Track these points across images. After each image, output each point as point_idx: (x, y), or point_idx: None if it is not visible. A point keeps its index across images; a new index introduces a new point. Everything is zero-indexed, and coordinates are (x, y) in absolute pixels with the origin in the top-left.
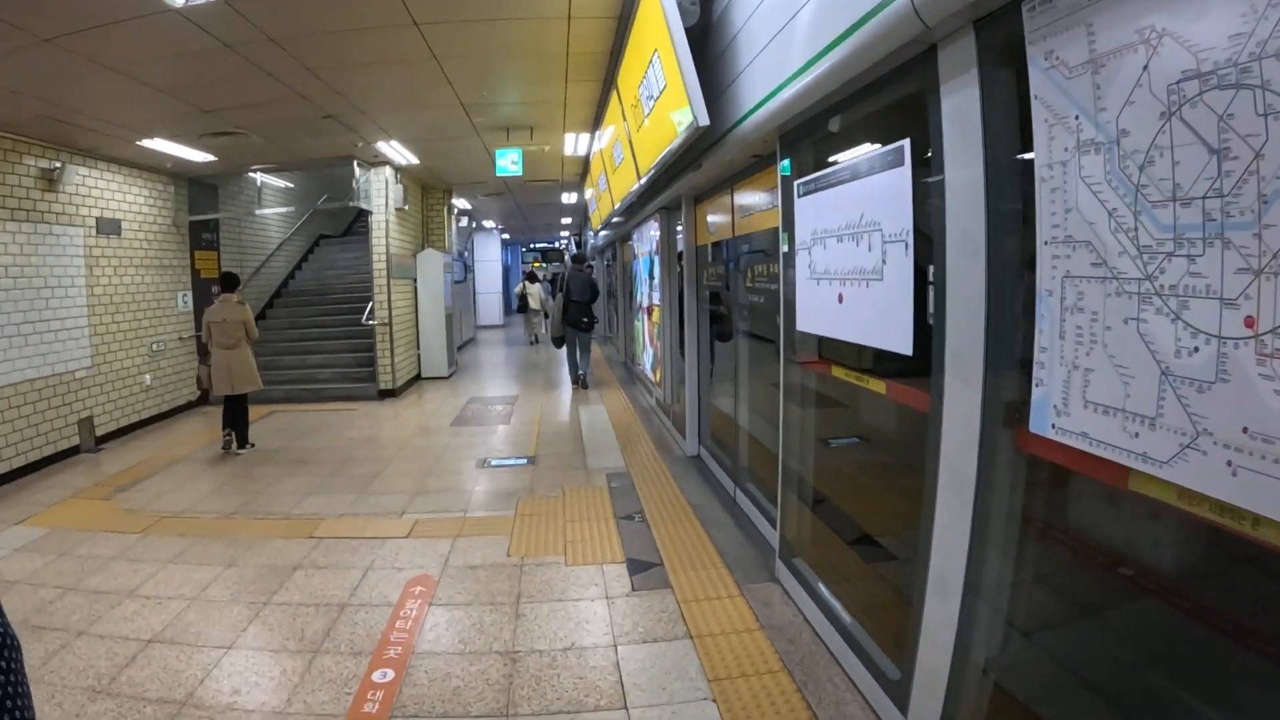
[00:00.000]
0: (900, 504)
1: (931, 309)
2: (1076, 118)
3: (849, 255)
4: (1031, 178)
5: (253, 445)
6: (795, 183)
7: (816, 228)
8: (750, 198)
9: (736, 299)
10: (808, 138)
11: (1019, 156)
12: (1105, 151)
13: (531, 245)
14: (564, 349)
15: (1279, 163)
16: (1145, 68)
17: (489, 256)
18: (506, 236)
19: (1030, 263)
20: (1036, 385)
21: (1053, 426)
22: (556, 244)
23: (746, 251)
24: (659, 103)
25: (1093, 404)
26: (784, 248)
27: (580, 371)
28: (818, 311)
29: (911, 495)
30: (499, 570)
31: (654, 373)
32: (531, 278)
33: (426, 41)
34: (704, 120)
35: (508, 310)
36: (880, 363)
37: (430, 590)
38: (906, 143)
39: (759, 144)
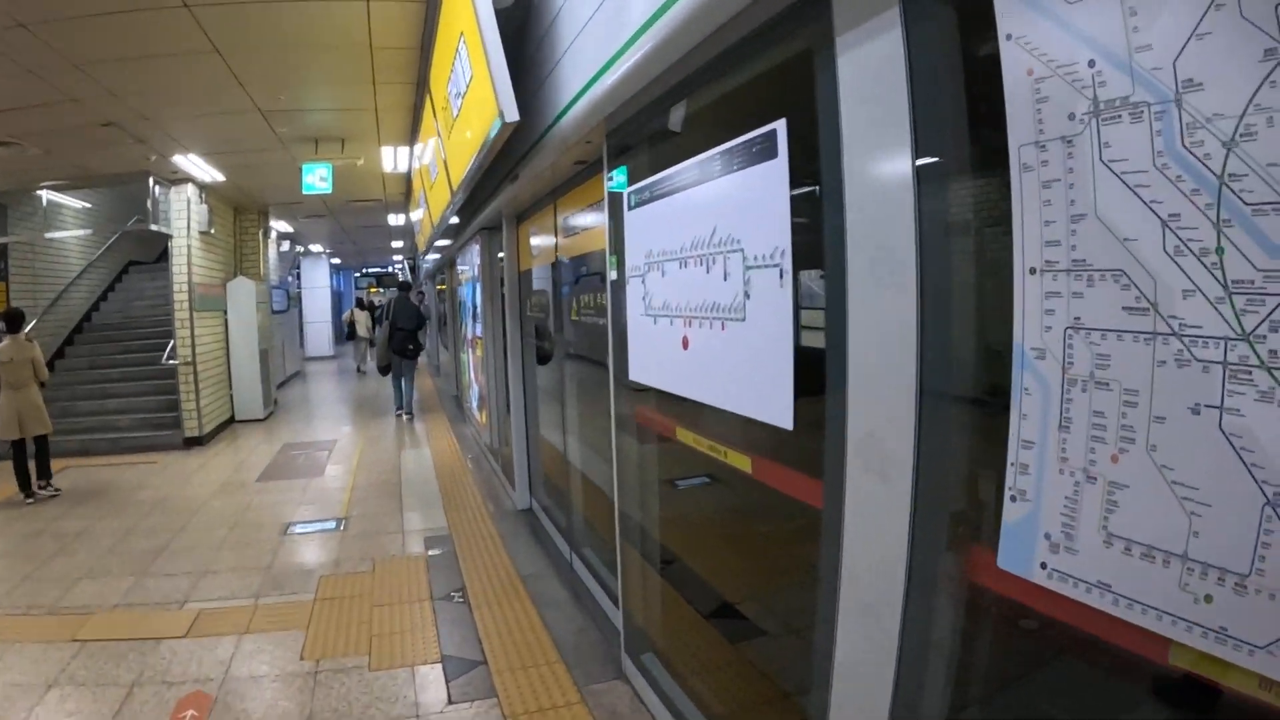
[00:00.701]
0: (765, 558)
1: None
2: (1093, 64)
3: (696, 285)
4: (1003, 166)
5: (57, 491)
6: (626, 192)
7: (652, 249)
8: (576, 214)
9: (564, 333)
10: (643, 133)
11: (979, 133)
12: (1155, 116)
13: (365, 270)
14: (390, 377)
15: None
16: None
17: (317, 283)
18: (337, 261)
19: (1004, 302)
20: (1012, 499)
21: (1042, 566)
22: (390, 268)
23: (574, 278)
24: (466, 99)
25: (1122, 540)
26: (612, 274)
27: (406, 400)
28: (655, 359)
29: (778, 543)
30: (289, 682)
31: (480, 413)
32: (361, 304)
33: (202, 28)
34: (512, 115)
35: (339, 339)
36: (751, 427)
37: (203, 717)
38: (781, 125)
39: (582, 146)
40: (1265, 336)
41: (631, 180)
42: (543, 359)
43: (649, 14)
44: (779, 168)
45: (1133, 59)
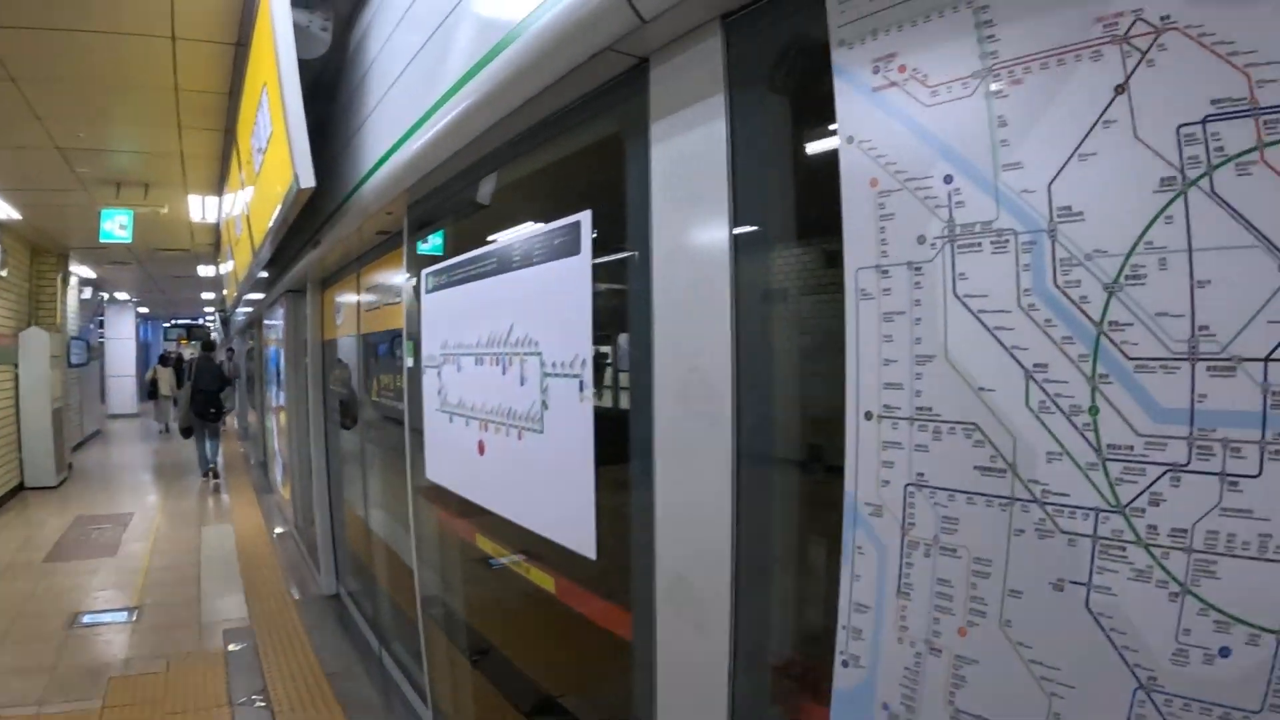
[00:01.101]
0: (594, 644)
1: None
2: (950, 180)
3: (492, 386)
4: (840, 287)
5: None
6: (424, 273)
7: (448, 340)
8: (379, 287)
9: (364, 413)
10: (445, 210)
11: (811, 246)
12: (1023, 248)
13: (175, 321)
14: (194, 439)
15: None
16: (1125, 84)
17: (122, 333)
18: (145, 310)
19: (837, 441)
20: (844, 664)
21: None
22: (202, 320)
23: (376, 355)
24: (267, 156)
25: (970, 718)
26: (408, 360)
27: (210, 465)
28: (451, 460)
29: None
30: None
31: (284, 487)
32: (165, 360)
33: None
34: (307, 181)
35: (144, 396)
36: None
37: None
38: (586, 217)
39: (383, 216)
40: (1144, 510)
41: (431, 260)
42: (346, 437)
43: (458, 76)
44: (582, 265)
45: (999, 178)
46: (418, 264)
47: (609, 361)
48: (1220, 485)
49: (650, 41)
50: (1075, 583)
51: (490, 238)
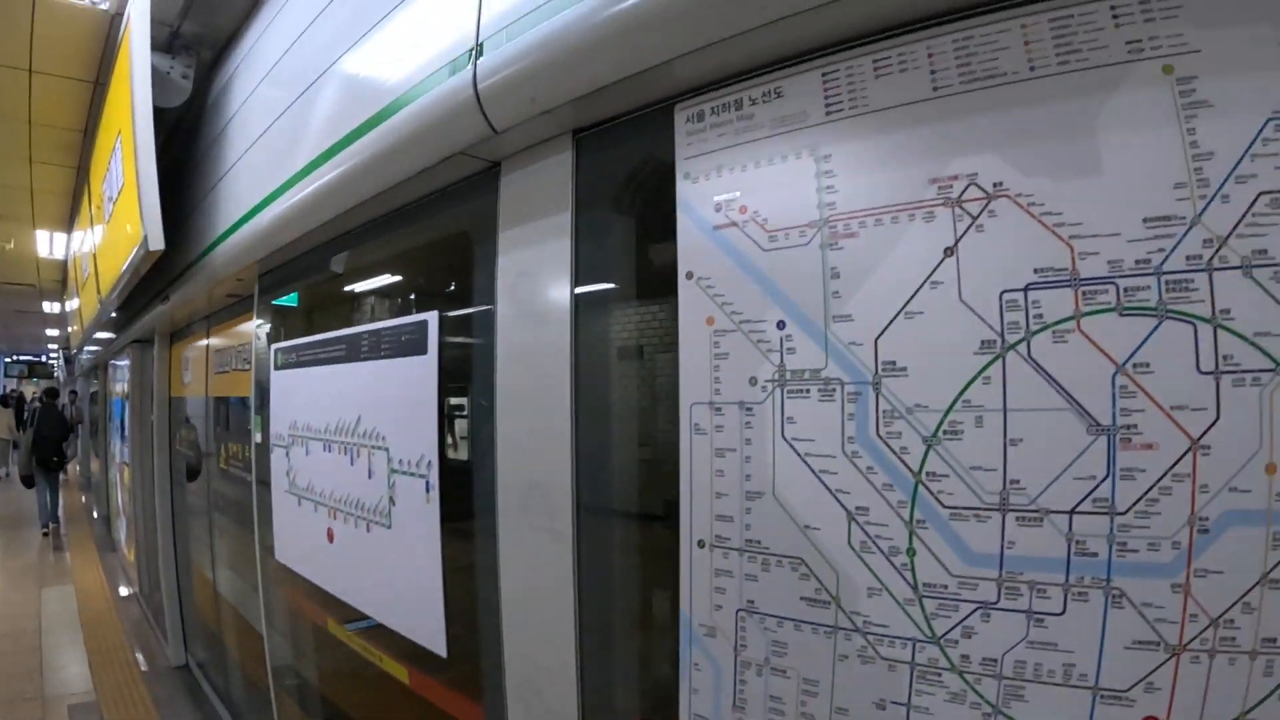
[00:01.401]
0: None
1: None
2: (783, 326)
3: (341, 475)
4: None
5: None
6: (274, 348)
7: (297, 420)
8: (230, 350)
9: (212, 480)
10: (299, 283)
11: (653, 384)
12: (849, 397)
13: (16, 357)
14: (35, 489)
15: (1235, 460)
16: (954, 247)
17: None
18: None
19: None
20: None
21: None
22: (45, 358)
23: (226, 420)
24: (118, 207)
25: None
26: (256, 435)
27: (50, 518)
28: (302, 543)
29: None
30: None
31: (128, 548)
32: (4, 401)
33: None
34: (156, 244)
35: None
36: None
37: None
38: (433, 318)
39: (234, 281)
40: (957, 641)
41: (282, 335)
42: (194, 498)
43: (314, 155)
44: (429, 366)
45: (830, 328)
46: (268, 337)
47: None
48: (1027, 621)
49: (503, 148)
50: (896, 703)
51: (342, 322)
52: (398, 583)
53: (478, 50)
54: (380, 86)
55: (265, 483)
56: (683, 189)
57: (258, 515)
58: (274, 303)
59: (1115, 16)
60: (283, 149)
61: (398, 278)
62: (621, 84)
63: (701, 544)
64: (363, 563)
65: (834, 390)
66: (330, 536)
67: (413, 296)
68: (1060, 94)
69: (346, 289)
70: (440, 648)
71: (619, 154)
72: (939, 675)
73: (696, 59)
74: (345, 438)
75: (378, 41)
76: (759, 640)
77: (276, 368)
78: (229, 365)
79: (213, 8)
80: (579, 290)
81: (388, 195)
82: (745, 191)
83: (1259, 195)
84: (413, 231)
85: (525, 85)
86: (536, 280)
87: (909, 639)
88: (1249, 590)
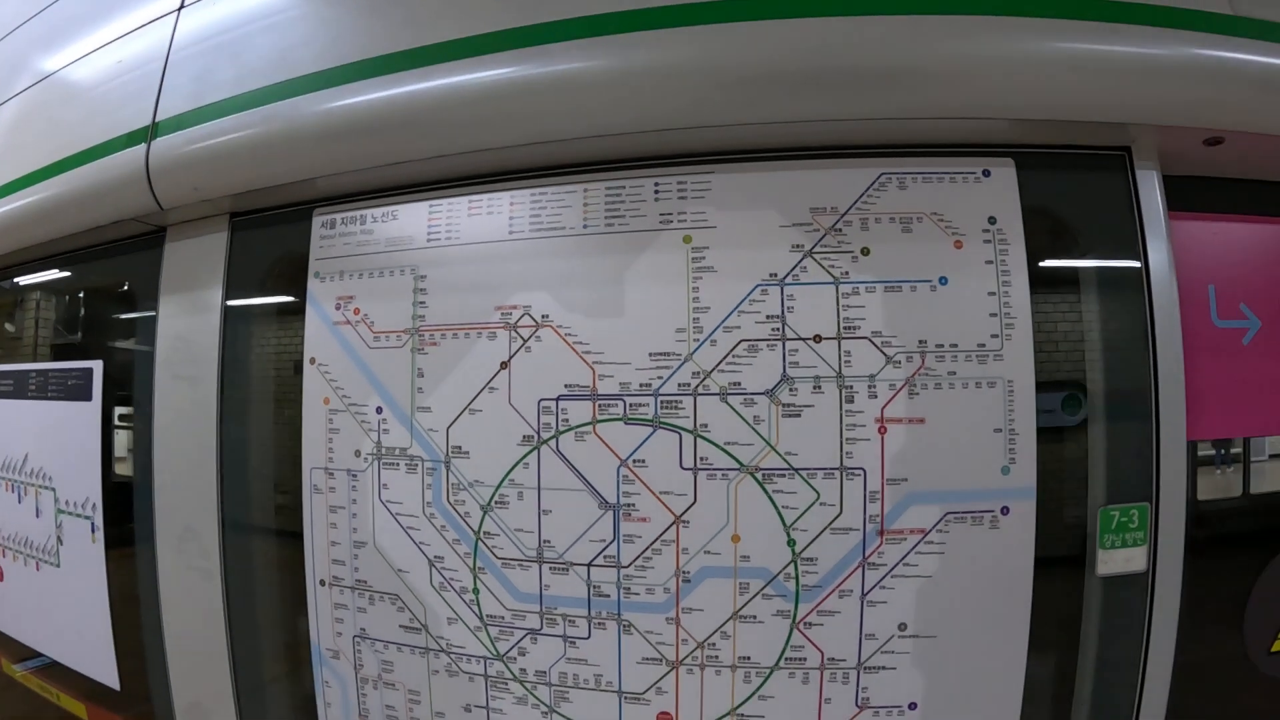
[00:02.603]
0: None
1: None
2: (380, 411)
3: (8, 512)
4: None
5: None
6: None
7: None
8: None
9: None
10: None
11: (283, 448)
12: (428, 471)
13: None
14: None
15: (708, 531)
16: (508, 362)
17: None
18: None
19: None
20: None
21: None
22: None
23: None
24: None
25: None
26: None
27: None
28: None
29: None
30: None
31: None
32: None
33: None
34: None
35: None
36: None
37: None
38: (98, 366)
39: None
40: (516, 658)
41: None
42: None
43: None
44: (92, 412)
45: (414, 416)
46: None
47: None
48: (564, 644)
49: (169, 217)
50: (479, 706)
51: (8, 354)
52: (69, 620)
53: (154, 130)
54: (60, 135)
55: None
56: (313, 285)
57: None
58: None
59: (657, 191)
60: None
61: (70, 322)
62: (273, 189)
63: (323, 582)
64: (35, 601)
65: (417, 465)
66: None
67: (79, 339)
68: (602, 249)
69: (13, 325)
70: (113, 681)
71: (267, 243)
72: (506, 684)
73: (333, 180)
74: (12, 475)
75: (66, 81)
76: (372, 660)
77: None
78: None
79: None
80: (227, 358)
81: (61, 242)
82: (360, 296)
83: (740, 342)
84: (81, 276)
85: (190, 174)
86: (190, 345)
87: (481, 657)
88: (724, 623)
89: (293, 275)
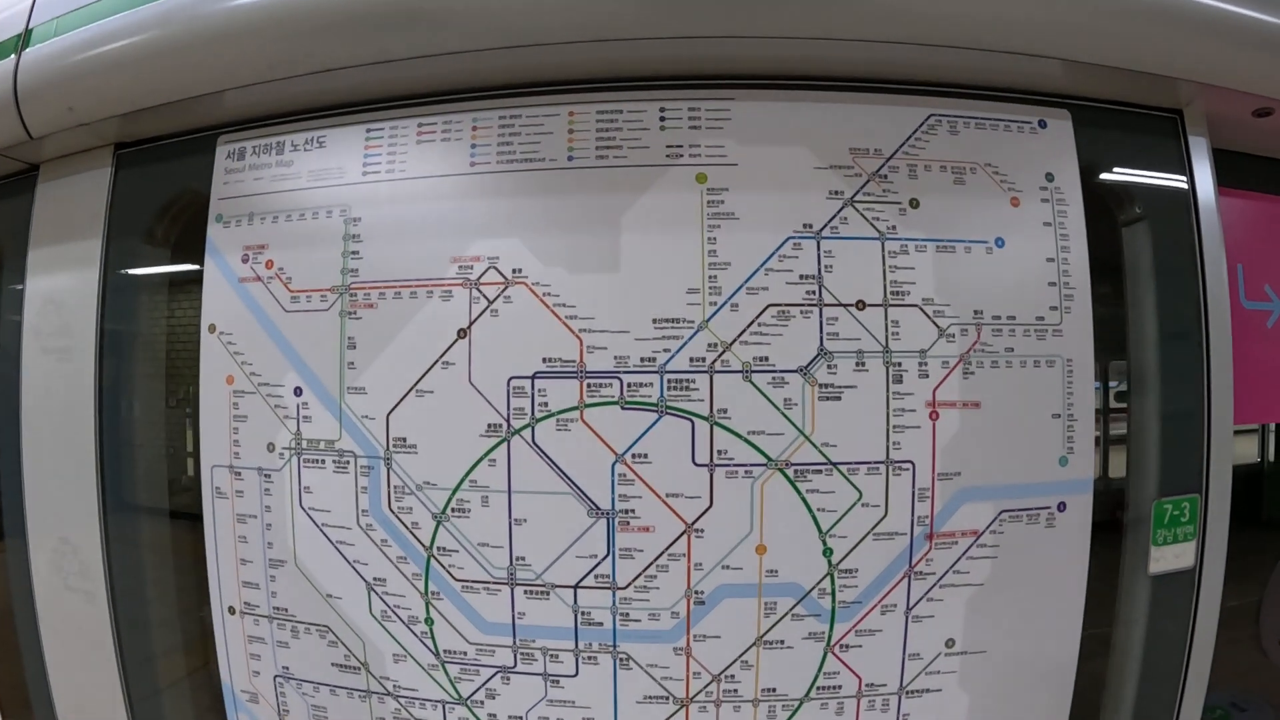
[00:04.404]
0: None
1: None
2: (300, 393)
3: None
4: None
5: None
6: None
7: None
8: None
9: None
10: None
11: (181, 421)
12: (363, 471)
13: None
14: None
15: (727, 542)
16: (468, 329)
17: None
18: None
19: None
20: None
21: None
22: None
23: None
24: None
25: None
26: None
27: None
28: None
29: None
30: None
31: None
32: None
33: None
34: None
35: None
36: None
37: None
38: None
39: None
40: (483, 701)
41: None
42: None
43: None
44: None
45: (344, 399)
46: None
47: None
48: (545, 683)
49: (42, 152)
50: None
51: None
52: None
53: (25, 38)
54: None
55: None
56: (214, 233)
57: None
58: None
59: (663, 118)
60: None
61: None
62: (168, 109)
63: (232, 610)
64: None
65: (348, 462)
66: None
67: None
68: (592, 187)
69: None
70: None
71: (160, 180)
72: None
73: (244, 96)
74: None
75: None
76: (300, 705)
77: None
78: None
79: None
80: (107, 326)
81: None
82: (274, 244)
83: (767, 307)
84: None
85: (66, 92)
86: (63, 310)
87: (439, 701)
88: (746, 650)
89: (190, 220)
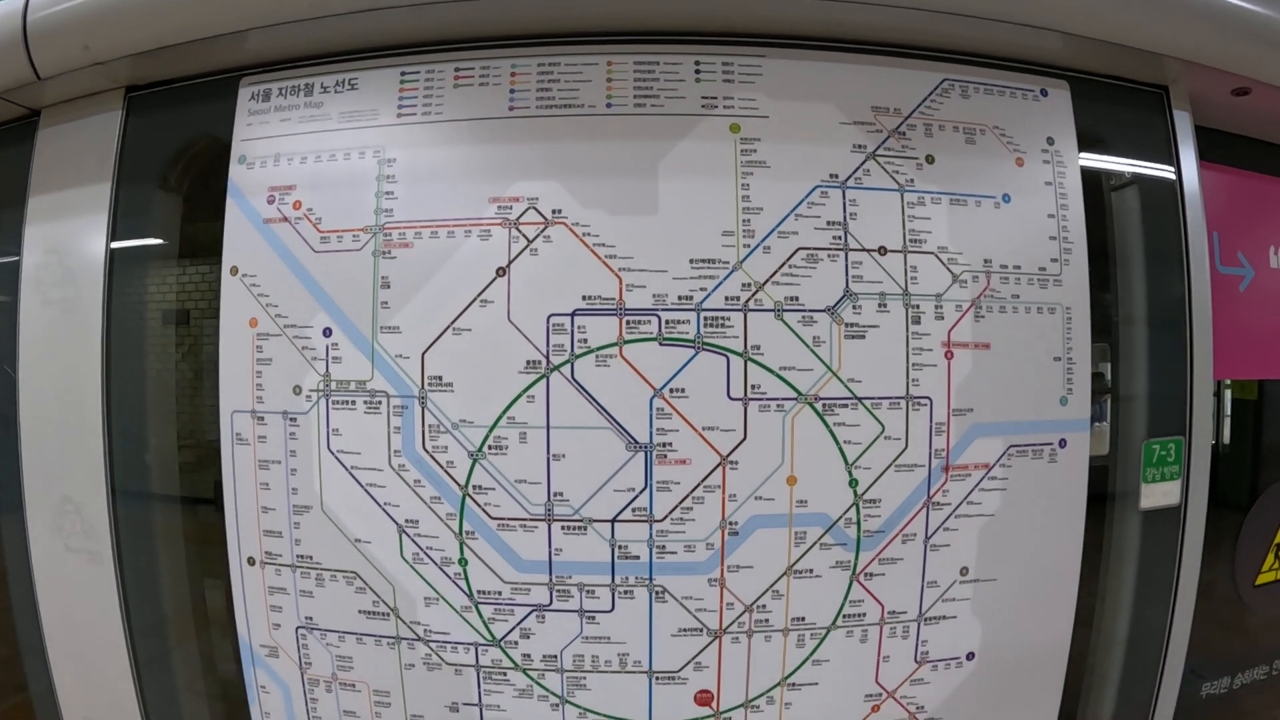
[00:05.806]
0: None
1: None
2: (329, 333)
3: None
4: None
5: None
6: None
7: None
8: None
9: None
10: None
11: (194, 377)
12: (395, 411)
13: None
14: None
15: (760, 473)
16: (507, 268)
17: None
18: None
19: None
20: None
21: None
22: None
23: None
24: None
25: None
26: None
27: None
28: None
29: None
30: None
31: None
32: None
33: None
34: None
35: None
36: None
37: None
38: None
39: None
40: (517, 642)
41: None
42: None
43: None
44: None
45: (377, 339)
46: None
47: None
48: (580, 620)
49: (45, 96)
50: (468, 704)
51: None
52: None
53: None
54: None
55: None
56: (236, 174)
57: None
58: None
59: (699, 71)
60: None
61: None
62: (187, 48)
63: (252, 561)
64: None
65: (380, 403)
66: None
67: None
68: (630, 133)
69: None
70: None
71: (175, 125)
72: (504, 674)
73: (271, 33)
74: None
75: None
76: (323, 656)
77: None
78: None
79: None
80: (117, 278)
81: None
82: (303, 185)
83: (797, 250)
84: None
85: (81, 28)
86: (67, 259)
87: (470, 643)
88: (777, 580)
89: (208, 164)
